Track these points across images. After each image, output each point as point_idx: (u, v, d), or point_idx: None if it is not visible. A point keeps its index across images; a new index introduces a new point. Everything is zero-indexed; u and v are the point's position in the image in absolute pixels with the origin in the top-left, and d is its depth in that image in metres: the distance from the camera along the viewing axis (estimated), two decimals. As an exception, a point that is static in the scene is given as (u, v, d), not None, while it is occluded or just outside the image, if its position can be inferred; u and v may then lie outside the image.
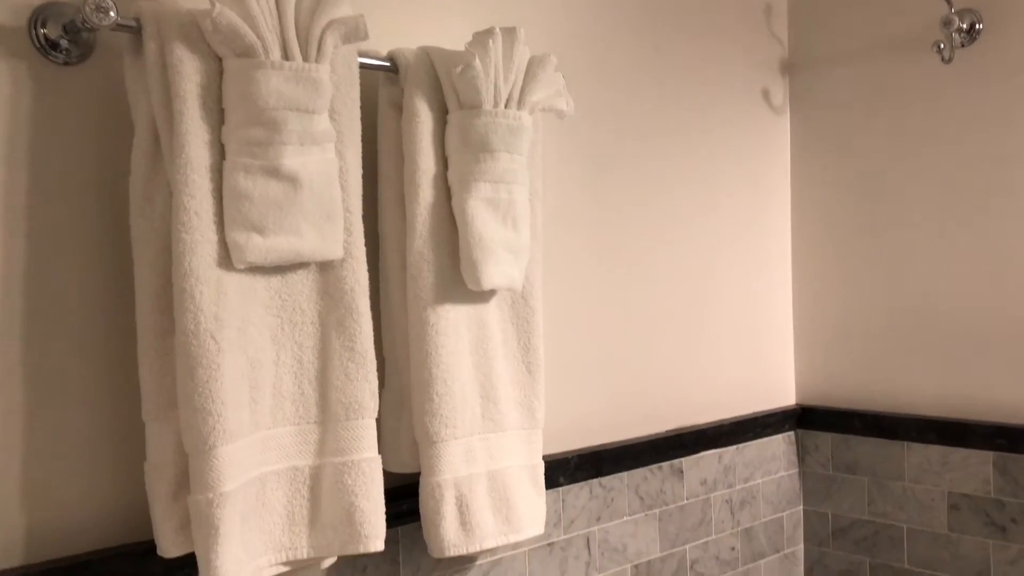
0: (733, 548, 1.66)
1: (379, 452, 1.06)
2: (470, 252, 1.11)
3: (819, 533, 1.79)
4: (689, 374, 1.63)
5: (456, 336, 1.13)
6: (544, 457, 1.31)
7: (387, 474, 1.16)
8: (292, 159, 0.95)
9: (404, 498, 1.18)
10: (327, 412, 1.03)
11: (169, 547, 0.93)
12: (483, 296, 1.17)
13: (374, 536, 1.03)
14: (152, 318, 0.94)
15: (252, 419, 0.96)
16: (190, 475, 0.91)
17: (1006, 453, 1.53)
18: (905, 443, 1.66)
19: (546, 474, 1.30)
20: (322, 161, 0.99)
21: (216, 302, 0.92)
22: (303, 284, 1.01)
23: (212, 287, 0.92)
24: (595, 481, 1.44)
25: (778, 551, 1.76)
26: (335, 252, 1.01)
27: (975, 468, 1.57)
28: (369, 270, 1.06)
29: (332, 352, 1.03)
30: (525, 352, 1.23)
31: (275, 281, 1.00)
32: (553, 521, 1.37)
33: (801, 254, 1.83)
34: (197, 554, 0.90)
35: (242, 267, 0.94)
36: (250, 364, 0.96)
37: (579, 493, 1.41)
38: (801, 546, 1.82)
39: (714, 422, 1.65)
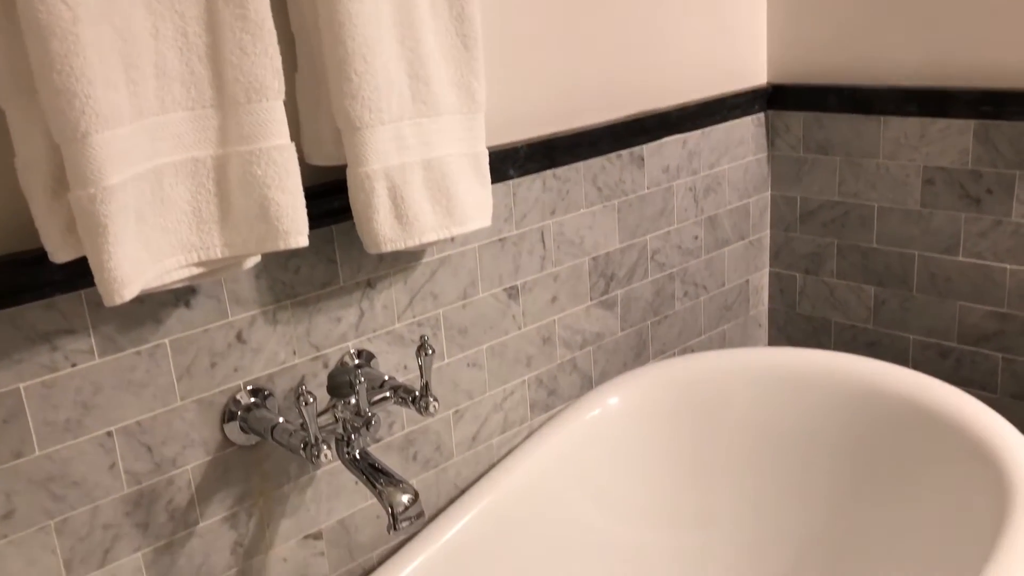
0: (696, 237, 1.60)
1: (298, 143, 0.94)
2: None
3: (786, 218, 1.73)
4: (651, 52, 1.48)
5: (373, 2, 0.97)
6: (490, 148, 1.20)
7: (314, 168, 1.05)
8: None
9: (335, 193, 1.07)
10: (224, 94, 0.89)
11: (57, 251, 0.83)
12: (402, -47, 0.99)
13: (294, 231, 0.92)
14: (-12, -16, 0.77)
15: (133, 103, 0.82)
16: (66, 169, 0.79)
17: (989, 120, 1.42)
18: (882, 117, 1.55)
19: (494, 166, 1.19)
20: None
21: (62, -42, 0.75)
22: (174, -63, 0.84)
23: (53, -62, 0.74)
24: (548, 172, 1.33)
25: (743, 238, 1.71)
26: None
27: (954, 139, 1.47)
28: (258, -79, 0.88)
29: (222, 22, 0.87)
30: (459, 22, 1.07)
31: (138, -67, 0.82)
32: (504, 216, 1.28)
33: (779, -88, 1.62)
34: (88, 256, 0.80)
35: (88, -89, 0.76)
36: (120, 37, 0.81)
37: (531, 186, 1.31)
38: (767, 232, 1.76)
39: (677, 105, 1.52)
